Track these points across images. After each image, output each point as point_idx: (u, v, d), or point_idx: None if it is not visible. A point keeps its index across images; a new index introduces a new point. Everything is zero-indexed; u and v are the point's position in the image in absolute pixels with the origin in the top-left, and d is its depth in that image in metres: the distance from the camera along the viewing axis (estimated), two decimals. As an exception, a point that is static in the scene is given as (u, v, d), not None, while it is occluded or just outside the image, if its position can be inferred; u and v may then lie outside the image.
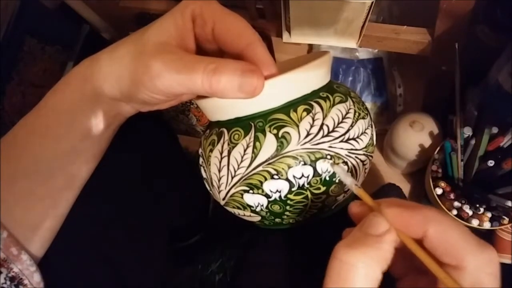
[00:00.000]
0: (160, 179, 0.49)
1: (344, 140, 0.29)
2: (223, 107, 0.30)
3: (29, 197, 0.28)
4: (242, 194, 0.30)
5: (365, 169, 0.33)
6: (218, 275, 0.74)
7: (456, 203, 0.57)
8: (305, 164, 0.28)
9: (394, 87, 0.79)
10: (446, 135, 0.62)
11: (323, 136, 0.28)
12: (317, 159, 0.28)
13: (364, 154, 0.31)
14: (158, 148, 0.50)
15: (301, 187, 0.29)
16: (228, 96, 0.23)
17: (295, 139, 0.28)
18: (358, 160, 0.31)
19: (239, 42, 0.25)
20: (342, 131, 0.29)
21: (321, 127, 0.28)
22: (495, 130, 0.55)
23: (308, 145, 0.28)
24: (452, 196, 0.58)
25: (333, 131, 0.29)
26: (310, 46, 0.86)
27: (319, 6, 0.52)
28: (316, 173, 0.29)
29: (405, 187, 0.74)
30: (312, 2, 0.52)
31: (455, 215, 0.57)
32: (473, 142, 0.54)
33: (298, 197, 0.30)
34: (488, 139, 0.54)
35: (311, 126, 0.28)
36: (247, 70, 0.23)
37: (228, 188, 0.31)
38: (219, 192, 0.32)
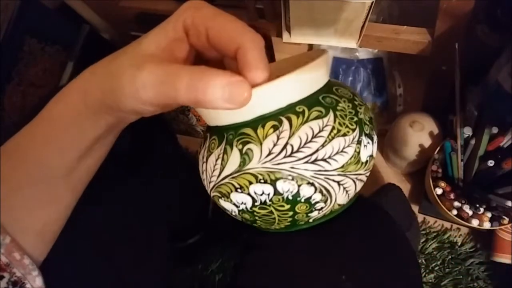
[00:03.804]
0: (160, 179, 0.49)
1: (309, 161, 0.28)
2: (206, 114, 0.30)
3: (32, 203, 0.28)
4: (218, 199, 0.31)
5: (345, 188, 0.30)
6: (218, 275, 0.74)
7: (456, 203, 0.57)
8: (265, 182, 0.28)
9: (394, 87, 0.79)
10: (446, 135, 0.62)
11: (285, 156, 0.27)
12: (277, 179, 0.28)
13: (339, 175, 0.29)
14: (158, 148, 0.50)
15: (263, 203, 0.29)
16: (215, 106, 0.23)
17: (256, 157, 0.28)
18: (330, 181, 0.29)
19: (231, 46, 0.25)
20: (308, 151, 0.28)
21: (284, 147, 0.27)
22: (495, 130, 0.55)
23: (268, 164, 0.28)
24: (452, 196, 0.58)
25: (297, 151, 0.28)
26: (310, 46, 0.86)
27: (319, 6, 0.52)
28: (277, 192, 0.28)
29: (405, 187, 0.74)
30: (312, 2, 0.52)
31: (455, 215, 0.57)
32: (473, 142, 0.54)
33: (263, 211, 0.30)
34: (488, 139, 0.54)
35: (274, 145, 0.27)
36: (234, 80, 0.22)
37: (209, 190, 0.32)
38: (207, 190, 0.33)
